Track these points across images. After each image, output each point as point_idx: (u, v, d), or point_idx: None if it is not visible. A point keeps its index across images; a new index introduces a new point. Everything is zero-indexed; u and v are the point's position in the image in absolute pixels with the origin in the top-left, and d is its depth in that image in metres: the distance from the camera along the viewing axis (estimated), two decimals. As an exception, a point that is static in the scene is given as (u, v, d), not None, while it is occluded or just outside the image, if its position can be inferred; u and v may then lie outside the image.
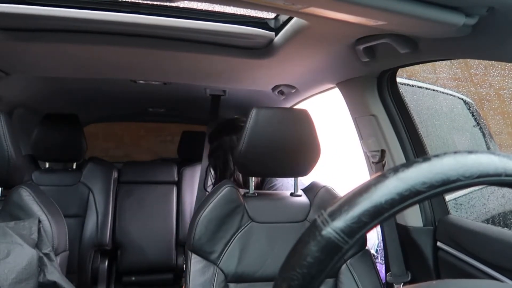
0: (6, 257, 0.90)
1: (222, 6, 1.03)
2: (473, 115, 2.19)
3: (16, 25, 1.08)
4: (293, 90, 1.65)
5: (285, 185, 1.44)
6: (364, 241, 1.15)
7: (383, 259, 1.43)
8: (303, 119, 1.16)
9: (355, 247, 1.11)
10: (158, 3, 0.98)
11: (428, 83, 2.02)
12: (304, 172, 1.20)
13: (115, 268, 2.26)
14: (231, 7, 1.03)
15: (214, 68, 1.44)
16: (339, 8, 0.69)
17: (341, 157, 2.78)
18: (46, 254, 0.97)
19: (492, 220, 1.68)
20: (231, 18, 1.07)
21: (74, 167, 1.98)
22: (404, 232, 1.18)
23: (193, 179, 2.36)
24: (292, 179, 1.24)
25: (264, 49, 1.20)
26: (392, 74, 1.19)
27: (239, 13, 1.07)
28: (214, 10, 1.06)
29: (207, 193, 1.44)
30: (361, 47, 0.98)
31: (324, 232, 0.28)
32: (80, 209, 1.90)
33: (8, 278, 0.87)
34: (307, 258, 0.28)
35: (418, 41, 0.85)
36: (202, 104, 2.09)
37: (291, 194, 1.23)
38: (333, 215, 0.29)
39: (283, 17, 1.06)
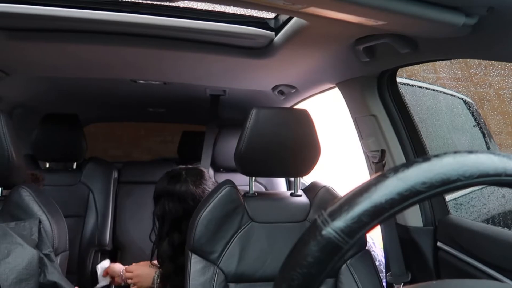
0: (7, 257, 0.89)
1: (222, 6, 1.04)
2: (473, 115, 2.19)
3: (16, 25, 1.08)
4: (293, 90, 1.65)
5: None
6: (364, 241, 1.15)
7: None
8: (303, 119, 1.16)
9: (355, 247, 1.11)
10: (158, 3, 0.97)
11: (428, 83, 2.02)
12: (304, 172, 1.20)
13: (115, 268, 2.25)
14: (231, 7, 1.03)
15: (214, 68, 1.44)
16: (339, 8, 0.69)
17: (341, 157, 2.78)
18: (46, 255, 0.97)
19: (492, 220, 1.68)
20: (231, 18, 1.07)
21: (74, 167, 1.98)
22: (404, 232, 1.18)
23: (193, 179, 2.35)
24: None
25: (264, 49, 1.20)
26: (392, 74, 1.19)
27: (239, 13, 1.07)
28: (214, 10, 1.06)
29: None
30: (361, 47, 0.98)
31: (324, 232, 0.28)
32: (80, 209, 1.90)
33: (9, 278, 0.87)
34: (307, 258, 0.28)
35: (418, 41, 0.85)
36: (202, 104, 2.09)
37: (291, 194, 1.23)
38: (333, 215, 0.29)
39: (283, 17, 1.06)
